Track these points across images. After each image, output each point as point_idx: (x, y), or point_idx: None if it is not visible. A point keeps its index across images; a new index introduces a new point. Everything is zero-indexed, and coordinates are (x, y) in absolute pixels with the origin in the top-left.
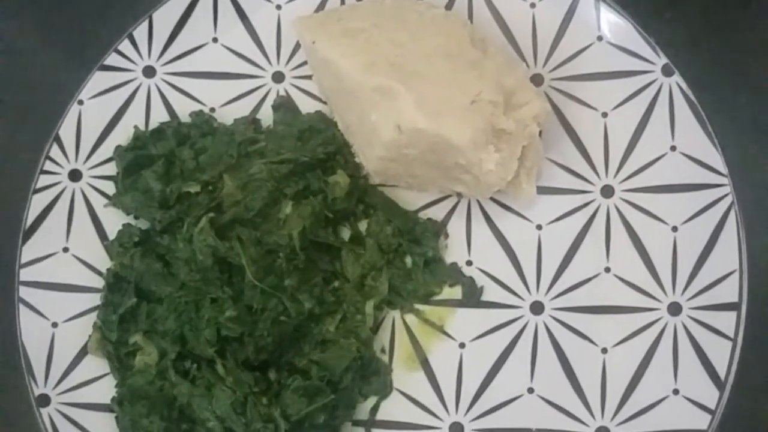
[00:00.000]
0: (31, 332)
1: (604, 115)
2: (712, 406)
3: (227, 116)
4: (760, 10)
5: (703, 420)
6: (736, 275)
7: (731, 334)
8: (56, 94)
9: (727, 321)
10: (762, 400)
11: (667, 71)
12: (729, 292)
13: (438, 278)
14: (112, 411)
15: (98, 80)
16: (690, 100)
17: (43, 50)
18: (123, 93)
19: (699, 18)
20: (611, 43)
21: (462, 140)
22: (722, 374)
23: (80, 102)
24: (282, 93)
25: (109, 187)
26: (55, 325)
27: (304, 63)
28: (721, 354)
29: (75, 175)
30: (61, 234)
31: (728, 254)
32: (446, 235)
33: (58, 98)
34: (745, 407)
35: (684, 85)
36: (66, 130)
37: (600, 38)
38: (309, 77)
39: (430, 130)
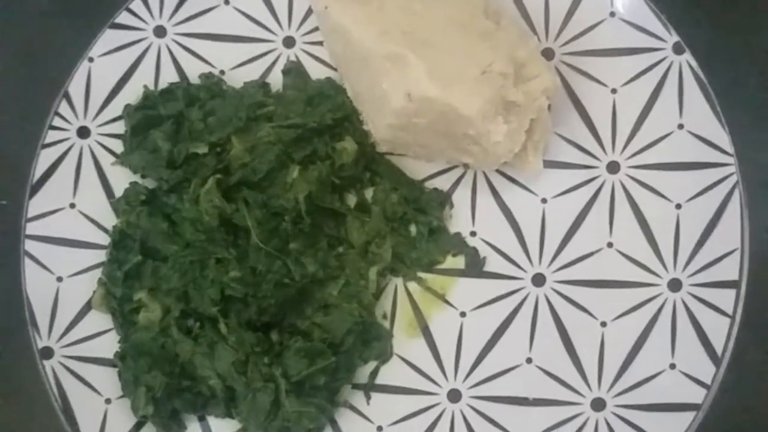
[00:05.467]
0: (36, 286)
1: (614, 91)
2: (708, 381)
3: (237, 79)
4: None
5: (699, 394)
6: (737, 254)
7: (730, 312)
8: (66, 50)
9: (726, 298)
10: (757, 377)
11: (678, 49)
12: (729, 270)
13: (441, 247)
14: (114, 366)
15: (109, 38)
16: (699, 79)
17: (55, 6)
18: (133, 52)
19: None
20: (623, 20)
21: (471, 110)
22: (719, 350)
23: (90, 59)
24: (292, 58)
25: (117, 145)
26: (60, 279)
27: (316, 29)
28: (719, 330)
29: (83, 132)
30: (69, 190)
31: (730, 233)
32: (451, 205)
33: (68, 55)
34: (740, 383)
35: (694, 64)
36: (75, 86)
37: (612, 14)
38: (320, 43)
39: (440, 99)
